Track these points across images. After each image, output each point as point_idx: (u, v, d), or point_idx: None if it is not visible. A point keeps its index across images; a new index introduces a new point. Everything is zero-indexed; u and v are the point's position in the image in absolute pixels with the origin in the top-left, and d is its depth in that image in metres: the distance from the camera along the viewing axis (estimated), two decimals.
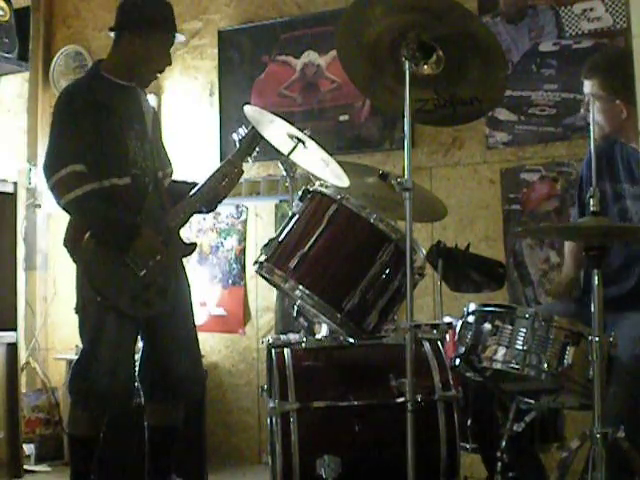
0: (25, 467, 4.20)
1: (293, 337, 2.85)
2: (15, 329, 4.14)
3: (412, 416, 2.27)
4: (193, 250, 3.22)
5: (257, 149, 3.16)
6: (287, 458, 2.46)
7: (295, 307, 2.78)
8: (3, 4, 4.61)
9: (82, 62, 4.85)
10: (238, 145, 3.16)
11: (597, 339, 2.13)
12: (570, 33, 3.82)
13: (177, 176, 3.37)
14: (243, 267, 4.49)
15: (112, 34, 3.14)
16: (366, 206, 2.50)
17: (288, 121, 2.96)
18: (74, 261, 3.05)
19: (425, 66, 2.47)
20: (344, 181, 2.74)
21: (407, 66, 2.38)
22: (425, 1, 2.31)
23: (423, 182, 3.85)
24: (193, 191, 3.12)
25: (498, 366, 2.34)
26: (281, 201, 4.38)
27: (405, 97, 2.36)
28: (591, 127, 2.32)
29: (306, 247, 2.47)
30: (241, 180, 3.27)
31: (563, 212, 3.76)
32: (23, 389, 4.46)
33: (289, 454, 2.46)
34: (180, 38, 3.20)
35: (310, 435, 2.49)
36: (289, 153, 2.93)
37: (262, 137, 3.05)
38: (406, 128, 2.38)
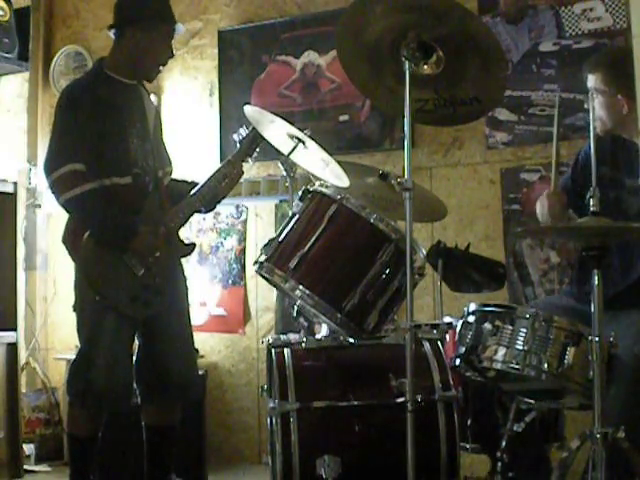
0: (25, 467, 4.20)
1: (293, 337, 2.85)
2: (15, 329, 4.13)
3: (412, 416, 2.27)
4: (192, 250, 3.22)
5: (257, 150, 3.17)
6: (287, 458, 2.46)
7: (295, 307, 2.78)
8: (3, 4, 4.61)
9: (82, 62, 4.85)
10: (238, 145, 3.16)
11: (597, 339, 2.13)
12: (570, 33, 3.82)
13: (177, 176, 3.37)
14: (243, 267, 4.49)
15: (111, 33, 3.14)
16: (366, 206, 2.50)
17: (288, 121, 2.96)
18: (73, 260, 3.05)
19: (425, 66, 2.46)
20: (344, 181, 2.74)
21: (407, 66, 2.38)
22: (425, 1, 2.31)
23: (423, 182, 3.85)
24: (193, 191, 3.12)
25: (498, 366, 2.34)
26: (281, 201, 4.38)
27: (405, 97, 2.36)
28: (591, 124, 2.32)
29: (306, 247, 2.47)
30: (241, 180, 3.27)
31: None
32: (23, 389, 4.46)
33: (289, 454, 2.46)
34: (180, 29, 3.20)
35: (310, 435, 2.49)
36: (289, 153, 2.93)
37: (262, 138, 3.05)
38: (406, 128, 2.38)
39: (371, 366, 2.70)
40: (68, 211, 3.05)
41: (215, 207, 3.24)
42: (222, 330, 4.52)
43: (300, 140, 2.91)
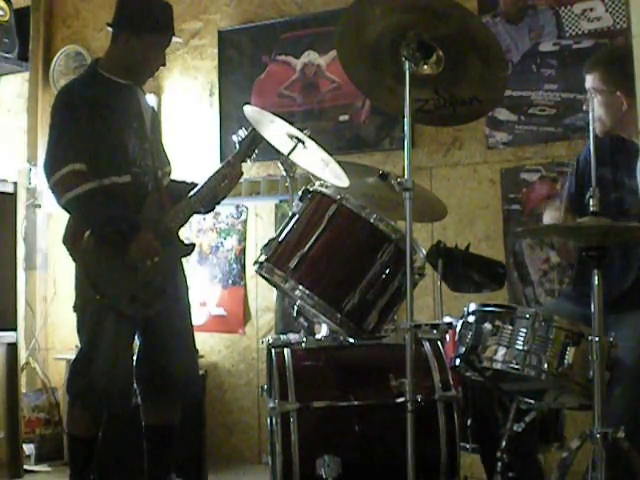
0: (25, 467, 4.20)
1: (293, 337, 2.85)
2: (15, 329, 4.13)
3: (412, 416, 2.27)
4: (192, 250, 3.22)
5: (256, 151, 3.17)
6: (287, 458, 2.46)
7: (295, 307, 2.78)
8: (3, 4, 4.61)
9: (82, 62, 4.84)
10: (238, 146, 3.16)
11: (597, 339, 2.13)
12: (570, 33, 3.82)
13: (177, 176, 3.37)
14: (243, 267, 4.49)
15: (110, 29, 3.14)
16: (366, 206, 2.50)
17: (288, 121, 2.96)
18: (73, 260, 3.06)
19: (425, 66, 2.46)
20: (344, 181, 2.74)
21: (407, 66, 2.38)
22: (425, 1, 2.31)
23: (423, 182, 3.84)
24: (193, 192, 3.12)
25: (498, 366, 2.34)
26: (281, 201, 4.38)
27: (405, 97, 2.36)
28: (590, 124, 2.31)
29: (306, 247, 2.47)
30: (241, 180, 3.27)
31: None
32: (23, 389, 4.46)
33: (289, 454, 2.46)
34: (177, 40, 3.20)
35: (310, 435, 2.49)
36: (289, 153, 2.93)
37: (262, 139, 3.06)
38: (406, 128, 2.38)
39: (371, 366, 2.70)
40: (69, 212, 3.05)
41: (215, 208, 3.24)
42: (222, 330, 4.52)
43: (300, 140, 2.91)
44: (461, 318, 2.51)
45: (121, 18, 3.12)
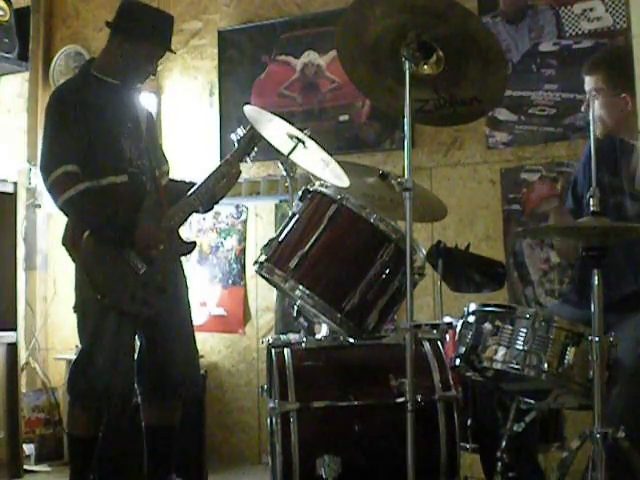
0: (25, 467, 4.20)
1: (293, 337, 2.85)
2: (15, 329, 4.14)
3: (412, 416, 2.27)
4: (192, 249, 3.22)
5: (255, 149, 3.17)
6: (287, 458, 2.46)
7: (295, 307, 2.78)
8: (3, 4, 4.61)
9: (82, 62, 4.82)
10: (236, 145, 3.16)
11: (597, 339, 2.13)
12: (570, 33, 3.82)
13: (177, 176, 3.37)
14: (243, 267, 4.49)
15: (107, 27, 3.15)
16: (366, 206, 2.50)
17: (288, 121, 2.96)
18: (73, 260, 3.05)
19: (425, 66, 2.46)
20: (344, 181, 2.74)
21: (407, 66, 2.38)
22: (425, 1, 2.31)
23: (423, 182, 3.85)
24: (191, 191, 3.12)
25: (498, 366, 2.34)
26: (281, 201, 4.38)
27: (405, 97, 2.36)
28: (591, 126, 2.31)
29: (306, 247, 2.47)
30: (241, 180, 3.27)
31: None
32: (23, 389, 4.46)
33: (289, 454, 2.46)
34: (172, 52, 3.21)
35: (310, 435, 2.49)
36: (289, 153, 2.93)
37: (261, 137, 3.05)
38: (406, 128, 2.38)
39: (371, 366, 2.70)
40: (66, 213, 3.05)
41: (213, 207, 3.24)
42: (222, 330, 4.52)
43: (300, 140, 2.91)
44: (461, 318, 2.51)
45: (120, 21, 3.12)
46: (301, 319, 2.82)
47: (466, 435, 2.84)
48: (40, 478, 4.18)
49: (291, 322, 3.00)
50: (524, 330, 2.30)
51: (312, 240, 2.48)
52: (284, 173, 3.15)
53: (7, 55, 4.68)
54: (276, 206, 4.43)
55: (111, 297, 2.96)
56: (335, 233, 2.50)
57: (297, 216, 2.60)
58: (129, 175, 3.05)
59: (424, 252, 2.68)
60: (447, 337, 2.86)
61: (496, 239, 3.95)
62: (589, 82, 2.77)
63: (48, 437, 4.46)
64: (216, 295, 4.54)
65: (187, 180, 3.27)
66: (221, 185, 3.15)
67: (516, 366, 2.29)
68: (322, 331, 2.84)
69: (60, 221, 3.16)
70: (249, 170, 4.17)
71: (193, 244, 3.22)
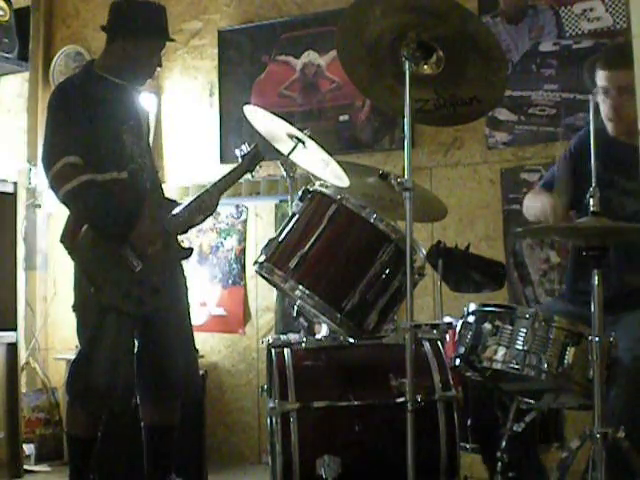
0: (25, 467, 4.20)
1: (293, 337, 2.85)
2: (15, 329, 4.14)
3: (412, 416, 2.27)
4: (190, 254, 3.20)
5: (258, 167, 3.17)
6: (287, 458, 2.46)
7: (295, 307, 2.78)
8: (3, 4, 4.61)
9: (82, 62, 4.83)
10: (240, 160, 3.16)
11: (597, 339, 2.13)
12: (570, 33, 3.82)
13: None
14: (243, 267, 4.49)
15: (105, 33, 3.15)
16: (366, 206, 2.50)
17: (288, 121, 2.96)
18: (72, 258, 3.05)
19: (425, 66, 2.46)
20: (344, 181, 2.75)
21: (407, 66, 2.38)
22: (425, 1, 2.31)
23: (423, 182, 3.85)
24: (173, 212, 3.11)
25: (498, 366, 2.34)
26: (281, 201, 4.38)
27: (405, 97, 2.36)
28: (591, 123, 2.29)
29: (306, 247, 2.47)
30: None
31: None
32: (23, 389, 4.46)
33: (289, 454, 2.46)
34: (172, 42, 3.21)
35: (310, 435, 2.49)
36: (289, 153, 2.93)
37: (265, 155, 3.07)
38: (406, 128, 2.38)
39: (371, 366, 2.70)
40: (68, 206, 3.03)
41: (187, 231, 3.19)
42: (222, 330, 4.52)
43: (300, 140, 2.91)
44: (461, 318, 2.51)
45: (116, 23, 3.11)
46: (301, 319, 2.82)
47: (466, 435, 2.84)
48: (40, 478, 4.18)
49: (291, 322, 3.00)
50: (524, 330, 2.30)
51: (312, 240, 2.48)
52: (284, 173, 3.15)
53: (7, 55, 4.68)
54: (276, 206, 4.43)
55: (106, 293, 2.95)
56: (335, 233, 2.50)
57: (297, 216, 2.60)
58: (130, 172, 3.05)
59: (424, 252, 2.68)
60: (447, 337, 2.86)
61: (496, 239, 3.95)
62: (610, 78, 2.69)
63: (48, 437, 4.46)
64: (216, 295, 4.54)
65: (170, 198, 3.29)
66: (199, 213, 3.13)
67: (516, 366, 2.29)
68: (322, 331, 2.84)
69: (60, 221, 3.16)
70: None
71: (190, 250, 3.22)
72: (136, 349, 3.14)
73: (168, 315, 3.10)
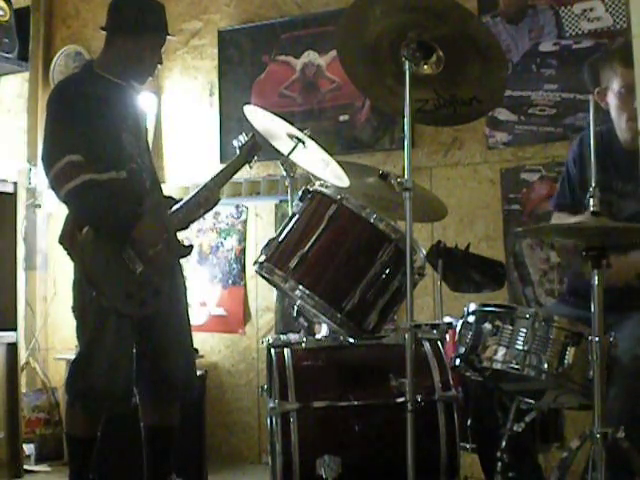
0: (25, 467, 4.20)
1: (293, 337, 2.84)
2: (15, 329, 4.14)
3: (412, 416, 2.27)
4: (190, 252, 3.20)
5: (256, 157, 3.16)
6: (287, 458, 2.46)
7: (295, 307, 2.78)
8: (3, 4, 4.61)
9: (82, 62, 4.83)
10: (238, 151, 3.15)
11: (597, 339, 2.13)
12: (570, 33, 3.82)
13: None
14: (243, 267, 4.49)
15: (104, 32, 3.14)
16: (366, 206, 2.50)
17: (288, 121, 2.96)
18: (71, 258, 3.04)
19: (425, 66, 2.46)
20: (344, 181, 2.75)
21: (407, 66, 2.38)
22: (425, 1, 2.31)
23: (423, 182, 3.85)
24: (173, 209, 3.11)
25: (498, 366, 2.35)
26: (281, 201, 4.38)
27: (405, 97, 2.36)
28: (591, 124, 2.28)
29: (306, 247, 2.47)
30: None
31: None
32: (23, 389, 4.45)
33: (289, 454, 2.46)
34: (172, 38, 3.21)
35: (310, 435, 2.49)
36: (289, 153, 2.93)
37: (262, 144, 3.06)
38: (406, 128, 2.38)
39: (371, 366, 2.70)
40: (69, 205, 3.02)
41: (188, 227, 3.19)
42: (222, 330, 4.52)
43: (300, 140, 2.91)
44: (461, 318, 2.51)
45: (115, 22, 3.11)
46: (301, 319, 2.82)
47: (466, 435, 2.84)
48: (40, 478, 4.18)
49: (291, 322, 3.00)
50: (524, 330, 2.30)
51: (312, 240, 2.48)
52: (284, 173, 3.15)
53: (7, 55, 4.68)
54: (276, 206, 4.42)
55: (107, 295, 2.94)
56: (335, 233, 2.49)
57: (297, 216, 2.60)
58: (130, 171, 3.04)
59: (424, 252, 2.68)
60: (447, 337, 2.86)
61: (496, 239, 3.95)
62: (624, 76, 2.66)
63: (48, 437, 4.46)
64: (216, 295, 4.54)
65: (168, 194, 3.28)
66: (199, 207, 3.13)
67: (516, 366, 2.29)
68: (322, 331, 2.84)
69: (60, 221, 3.15)
70: (249, 170, 4.16)
71: (190, 247, 3.20)
72: (136, 350, 3.14)
73: (167, 315, 3.10)
